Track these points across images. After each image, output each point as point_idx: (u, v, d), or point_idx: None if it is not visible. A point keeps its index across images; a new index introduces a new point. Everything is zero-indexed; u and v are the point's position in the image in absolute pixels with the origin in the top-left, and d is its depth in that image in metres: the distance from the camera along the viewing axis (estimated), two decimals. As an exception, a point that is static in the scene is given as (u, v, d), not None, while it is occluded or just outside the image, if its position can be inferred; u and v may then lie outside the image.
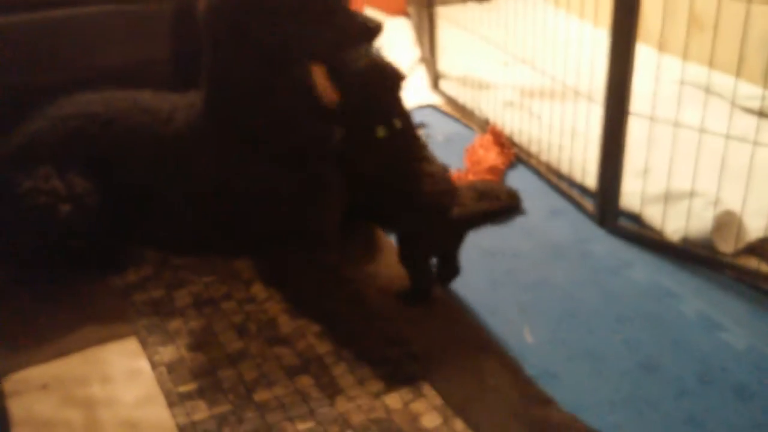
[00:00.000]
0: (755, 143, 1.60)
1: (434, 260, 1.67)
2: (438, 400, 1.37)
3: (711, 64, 1.75)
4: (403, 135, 1.62)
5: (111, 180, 1.71)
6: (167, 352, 1.51)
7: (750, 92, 2.33)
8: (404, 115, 1.64)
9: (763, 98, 2.05)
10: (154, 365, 1.47)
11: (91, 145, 1.72)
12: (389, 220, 1.70)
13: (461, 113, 2.62)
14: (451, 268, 1.67)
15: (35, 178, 1.64)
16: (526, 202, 2.02)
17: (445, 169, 1.64)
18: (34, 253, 1.69)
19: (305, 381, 1.42)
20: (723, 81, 2.36)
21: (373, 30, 1.56)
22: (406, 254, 1.62)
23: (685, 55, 1.76)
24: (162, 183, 1.71)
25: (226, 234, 1.73)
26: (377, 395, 1.38)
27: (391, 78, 1.62)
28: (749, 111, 2.31)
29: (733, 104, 1.75)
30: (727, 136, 1.63)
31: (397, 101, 1.65)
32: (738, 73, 1.69)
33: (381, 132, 1.60)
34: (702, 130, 1.66)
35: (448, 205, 1.55)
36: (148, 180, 1.71)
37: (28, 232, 1.65)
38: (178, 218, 1.74)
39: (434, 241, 1.60)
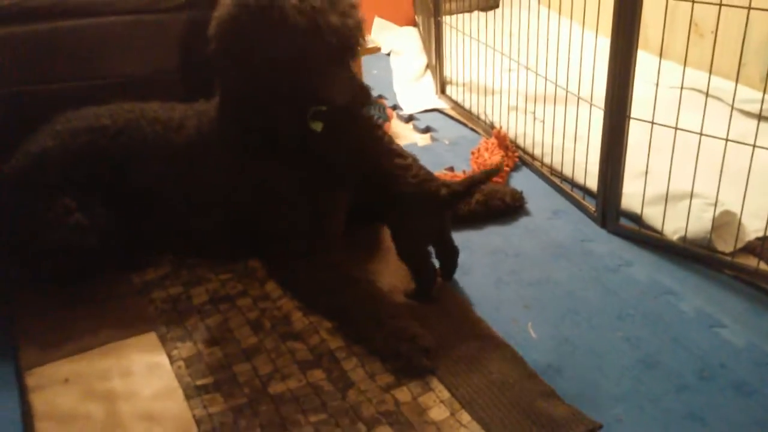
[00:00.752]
0: (755, 146, 1.64)
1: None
2: (445, 394, 1.40)
3: (710, 69, 1.79)
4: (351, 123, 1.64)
5: (124, 189, 1.74)
6: (185, 348, 1.55)
7: (748, 96, 2.38)
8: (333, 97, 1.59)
9: (762, 102, 2.09)
10: (172, 360, 1.52)
11: (103, 158, 1.73)
12: (382, 218, 1.74)
13: (467, 118, 2.67)
14: (450, 250, 1.71)
15: (56, 211, 1.64)
16: (530, 203, 2.08)
17: (415, 159, 1.68)
18: (55, 274, 1.71)
19: (318, 375, 1.46)
20: (722, 85, 2.40)
21: (364, 94, 1.61)
22: (403, 248, 1.66)
23: (685, 61, 1.80)
24: (174, 189, 1.75)
25: (237, 236, 1.77)
26: (387, 389, 1.42)
27: None
28: (748, 114, 2.35)
29: (733, 108, 1.78)
30: (727, 139, 1.67)
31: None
32: (737, 78, 1.73)
33: (317, 126, 1.60)
34: (702, 134, 1.70)
35: (436, 189, 1.60)
36: (159, 186, 1.75)
37: (51, 261, 1.67)
38: (188, 222, 1.77)
39: (429, 227, 1.64)
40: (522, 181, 2.20)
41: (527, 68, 2.29)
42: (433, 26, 2.83)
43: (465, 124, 2.64)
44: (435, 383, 1.43)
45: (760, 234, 1.80)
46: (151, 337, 1.58)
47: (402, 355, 1.46)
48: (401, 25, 3.62)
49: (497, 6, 3.50)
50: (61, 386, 1.45)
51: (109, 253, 1.72)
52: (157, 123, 1.75)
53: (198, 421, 1.36)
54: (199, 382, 1.45)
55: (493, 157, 2.23)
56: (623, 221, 1.94)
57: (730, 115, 1.73)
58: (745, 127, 2.19)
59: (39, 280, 1.73)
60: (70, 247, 1.65)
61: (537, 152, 2.29)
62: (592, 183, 2.01)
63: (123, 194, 1.74)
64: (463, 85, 2.76)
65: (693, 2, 1.67)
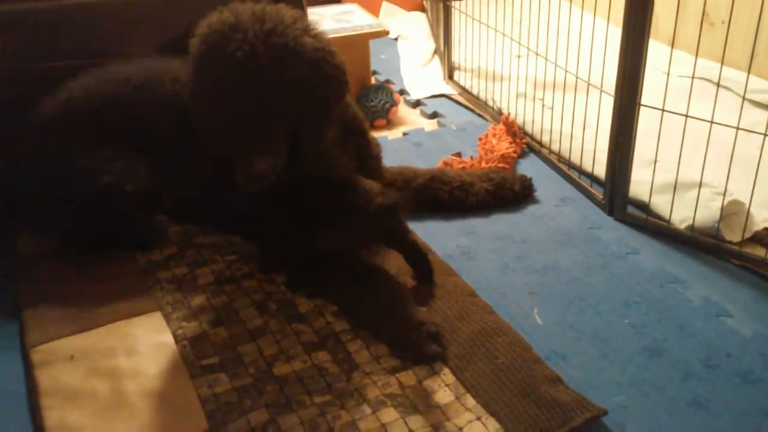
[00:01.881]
0: (766, 134, 1.62)
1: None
2: (450, 378, 1.40)
3: (722, 59, 1.77)
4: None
5: (142, 142, 1.72)
6: (190, 327, 1.55)
7: (759, 86, 2.36)
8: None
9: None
10: (177, 339, 1.51)
11: (126, 108, 1.73)
12: None
13: (475, 103, 2.66)
14: (413, 253, 1.67)
15: (93, 157, 1.66)
16: (537, 190, 2.07)
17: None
18: (88, 232, 1.71)
19: (322, 356, 1.46)
20: (732, 75, 2.38)
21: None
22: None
23: (697, 51, 1.79)
24: (182, 152, 1.72)
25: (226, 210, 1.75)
26: (392, 372, 1.42)
27: None
28: (758, 105, 2.34)
29: (744, 98, 1.77)
30: (738, 128, 1.66)
31: None
32: (749, 68, 1.72)
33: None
34: (712, 122, 1.69)
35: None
36: (170, 148, 1.73)
37: (88, 211, 1.67)
38: (184, 187, 1.76)
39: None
40: (529, 168, 2.20)
41: (537, 54, 2.28)
42: (441, 11, 2.81)
43: (473, 110, 2.63)
44: (440, 367, 1.43)
45: (769, 224, 1.79)
46: (157, 317, 1.58)
47: (410, 344, 1.45)
48: (409, 9, 3.60)
49: (507, -8, 3.48)
50: (67, 363, 1.45)
51: (142, 223, 1.73)
52: (177, 81, 1.73)
53: (203, 401, 1.36)
54: (204, 362, 1.45)
55: (501, 143, 2.22)
56: (631, 209, 1.94)
57: (742, 104, 1.71)
58: (755, 117, 2.18)
59: (70, 229, 1.75)
60: (112, 192, 1.65)
61: (545, 139, 2.28)
62: (600, 171, 2.00)
63: (141, 148, 1.73)
64: (472, 70, 2.75)
65: (706, -10, 1.66)
